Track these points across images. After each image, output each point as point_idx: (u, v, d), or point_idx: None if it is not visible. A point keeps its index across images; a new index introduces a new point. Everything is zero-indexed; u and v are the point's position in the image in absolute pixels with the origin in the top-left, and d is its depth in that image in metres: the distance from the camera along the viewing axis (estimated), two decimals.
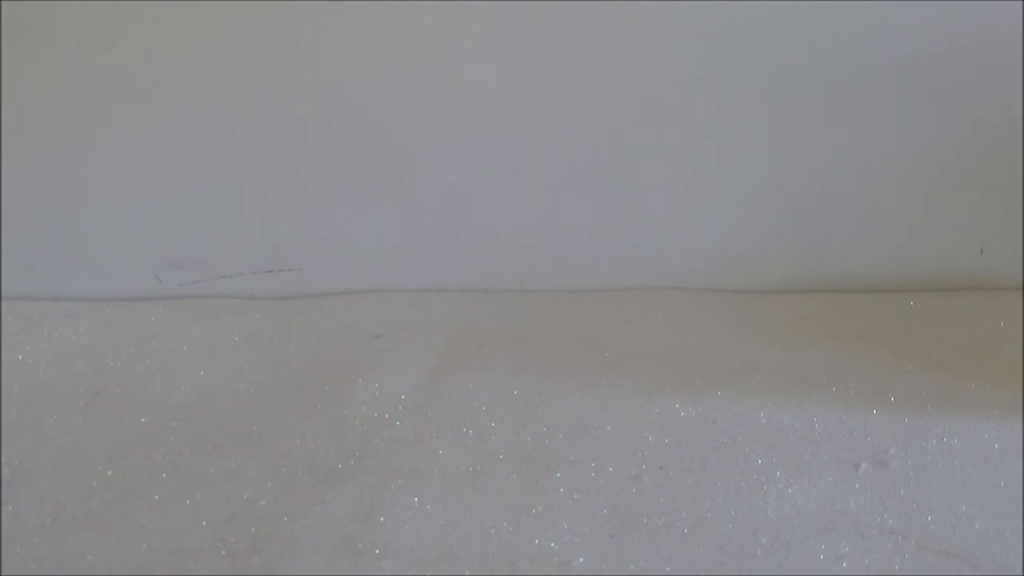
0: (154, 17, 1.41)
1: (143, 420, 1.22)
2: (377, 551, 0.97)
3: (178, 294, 1.59)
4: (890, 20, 1.36)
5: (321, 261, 1.58)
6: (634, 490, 1.05)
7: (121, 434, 1.19)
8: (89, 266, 1.58)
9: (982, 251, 1.50)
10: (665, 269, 1.55)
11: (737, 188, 1.49)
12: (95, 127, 1.49)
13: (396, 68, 1.44)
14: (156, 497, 1.06)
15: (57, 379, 1.33)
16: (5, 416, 1.24)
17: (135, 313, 1.53)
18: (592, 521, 1.00)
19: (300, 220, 1.55)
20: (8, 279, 1.58)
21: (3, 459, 1.14)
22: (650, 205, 1.51)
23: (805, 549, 0.94)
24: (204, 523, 1.02)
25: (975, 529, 0.96)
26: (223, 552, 0.97)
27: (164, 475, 1.10)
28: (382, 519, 1.01)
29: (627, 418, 1.19)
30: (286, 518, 1.02)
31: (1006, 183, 1.45)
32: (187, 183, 1.53)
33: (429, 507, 1.03)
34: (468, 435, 1.17)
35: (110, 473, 1.11)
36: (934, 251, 1.51)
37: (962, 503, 1.00)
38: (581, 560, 0.95)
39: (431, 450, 1.14)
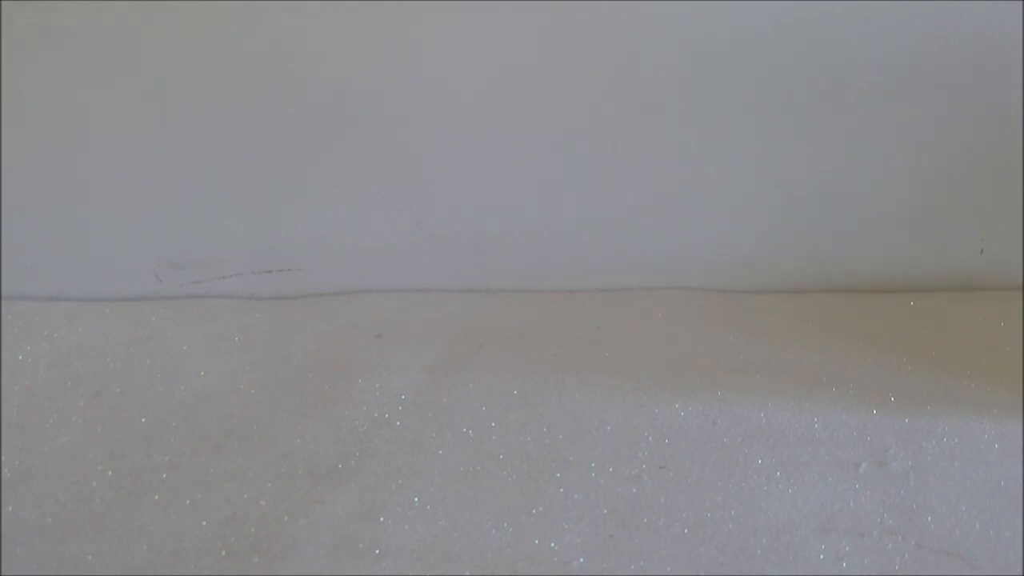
0: (154, 16, 1.41)
1: (143, 420, 1.22)
2: (377, 551, 0.97)
3: (178, 294, 1.59)
4: (889, 19, 1.36)
5: (321, 261, 1.58)
6: (634, 490, 1.05)
7: (121, 434, 1.19)
8: (89, 266, 1.58)
9: (982, 251, 1.50)
10: (665, 269, 1.55)
11: (737, 188, 1.49)
12: (95, 127, 1.49)
13: (396, 68, 1.44)
14: (156, 497, 1.06)
15: (57, 379, 1.33)
16: (5, 416, 1.24)
17: (135, 313, 1.53)
18: (592, 521, 1.00)
19: (300, 220, 1.55)
20: (8, 279, 1.58)
21: (3, 459, 1.14)
22: (650, 205, 1.51)
23: (805, 549, 0.95)
24: (204, 523, 1.02)
25: (975, 529, 0.96)
26: (223, 552, 0.97)
27: (164, 475, 1.10)
28: (382, 519, 1.01)
29: (627, 418, 1.19)
30: (286, 518, 1.02)
31: (1006, 183, 1.45)
32: (187, 183, 1.52)
33: (429, 507, 1.03)
34: (468, 435, 1.17)
35: (110, 473, 1.11)
36: (934, 251, 1.51)
37: (962, 503, 1.00)
38: (581, 560, 0.95)
39: (431, 450, 1.14)
